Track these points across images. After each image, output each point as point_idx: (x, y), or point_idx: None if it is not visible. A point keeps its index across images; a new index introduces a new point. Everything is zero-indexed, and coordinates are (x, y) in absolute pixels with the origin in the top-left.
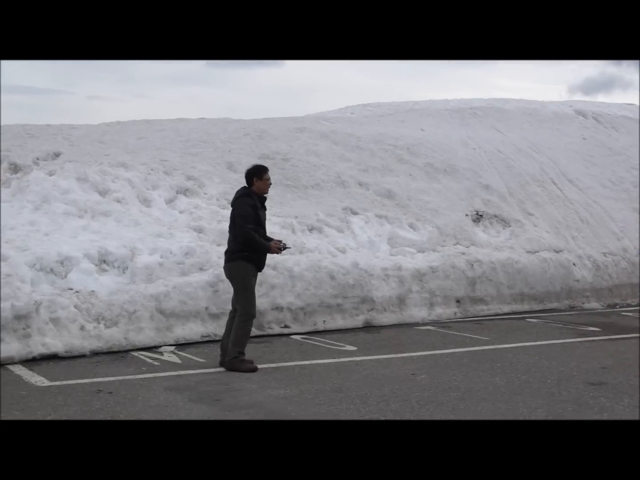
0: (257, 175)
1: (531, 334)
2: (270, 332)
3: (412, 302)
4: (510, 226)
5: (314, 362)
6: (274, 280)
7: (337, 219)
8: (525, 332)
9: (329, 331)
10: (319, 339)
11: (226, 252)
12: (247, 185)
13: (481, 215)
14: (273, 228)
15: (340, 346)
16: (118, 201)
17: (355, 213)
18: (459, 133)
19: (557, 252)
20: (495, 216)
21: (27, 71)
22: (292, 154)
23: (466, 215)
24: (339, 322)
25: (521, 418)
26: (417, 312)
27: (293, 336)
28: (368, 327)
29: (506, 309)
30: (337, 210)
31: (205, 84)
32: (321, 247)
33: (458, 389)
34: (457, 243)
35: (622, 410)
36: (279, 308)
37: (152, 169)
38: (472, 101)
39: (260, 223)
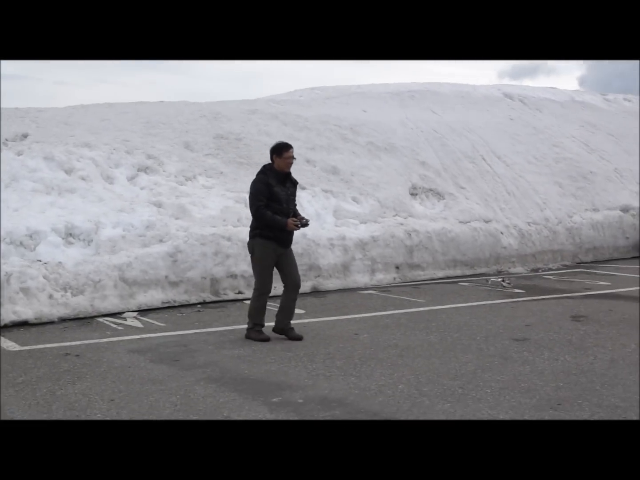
0: (276, 152)
1: (463, 296)
2: (225, 297)
3: (355, 268)
4: (444, 199)
5: (265, 324)
6: (229, 250)
7: None
8: (457, 295)
9: (279, 296)
10: (270, 303)
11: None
12: (270, 162)
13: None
14: (227, 202)
15: None
16: (83, 179)
17: (303, 188)
18: (398, 114)
19: (487, 222)
20: (431, 190)
21: None
22: (244, 134)
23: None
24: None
25: (453, 372)
26: (360, 278)
27: (246, 301)
28: (315, 292)
29: (440, 274)
30: None
31: (163, 71)
32: None
33: (397, 346)
34: (396, 215)
35: (542, 362)
36: (233, 275)
37: (114, 149)
38: (410, 85)
39: (278, 199)
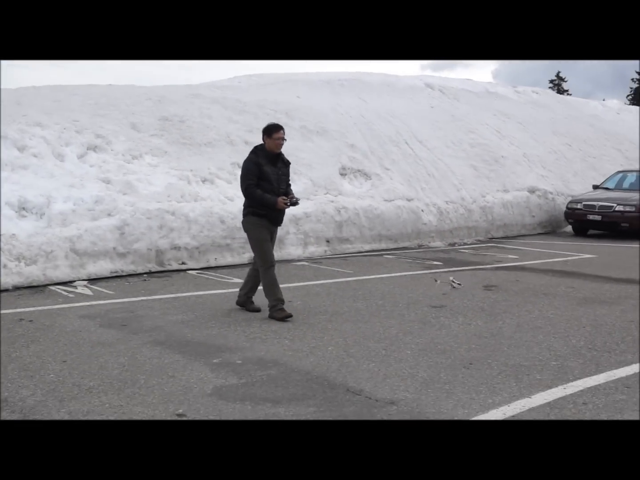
0: (267, 133)
1: (387, 267)
2: (169, 268)
3: (289, 242)
4: (371, 179)
5: (207, 292)
6: (173, 224)
7: (227, 172)
8: (382, 266)
9: (220, 267)
10: (211, 273)
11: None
12: (262, 143)
13: None
14: (171, 180)
15: (229, 279)
16: (35, 156)
17: (240, 167)
18: (329, 101)
19: (409, 200)
20: (359, 170)
21: None
22: (187, 117)
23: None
24: (228, 259)
25: (377, 335)
26: (294, 251)
27: (189, 271)
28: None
29: (367, 247)
30: (227, 164)
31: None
32: (213, 196)
33: (326, 312)
34: (327, 193)
35: (457, 327)
36: (177, 247)
37: (65, 128)
38: (340, 74)
39: (268, 179)
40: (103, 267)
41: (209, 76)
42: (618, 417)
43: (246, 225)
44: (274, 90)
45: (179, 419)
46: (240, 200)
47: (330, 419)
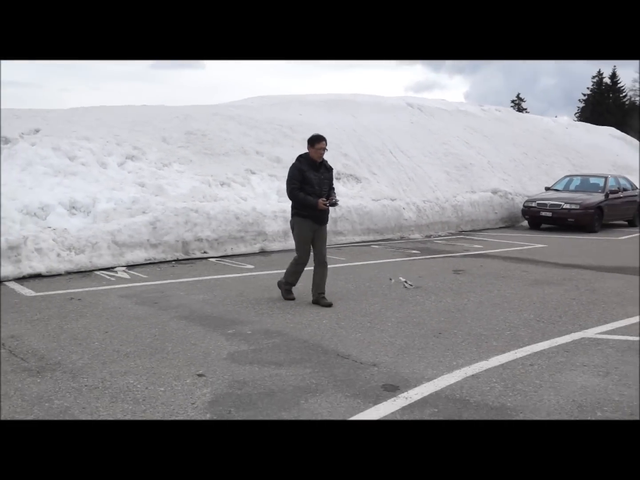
0: (310, 143)
1: (374, 255)
2: (193, 256)
3: None
4: (361, 182)
5: (224, 276)
6: (196, 220)
7: (241, 177)
8: (370, 254)
9: (235, 255)
10: (228, 261)
11: None
12: (307, 152)
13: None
14: (195, 183)
15: (243, 265)
16: (83, 164)
17: (254, 173)
18: (326, 117)
19: (392, 200)
20: (351, 175)
21: (12, 69)
22: (208, 131)
23: None
24: (242, 249)
25: (364, 310)
26: None
27: (210, 259)
28: (263, 252)
29: (357, 239)
30: (241, 171)
31: (147, 81)
32: (229, 197)
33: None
34: None
35: (430, 303)
36: (199, 239)
37: (107, 141)
38: (336, 95)
39: (310, 183)
40: (139, 255)
41: (226, 98)
42: (557, 375)
43: (292, 224)
44: (280, 109)
45: (199, 379)
46: (252, 200)
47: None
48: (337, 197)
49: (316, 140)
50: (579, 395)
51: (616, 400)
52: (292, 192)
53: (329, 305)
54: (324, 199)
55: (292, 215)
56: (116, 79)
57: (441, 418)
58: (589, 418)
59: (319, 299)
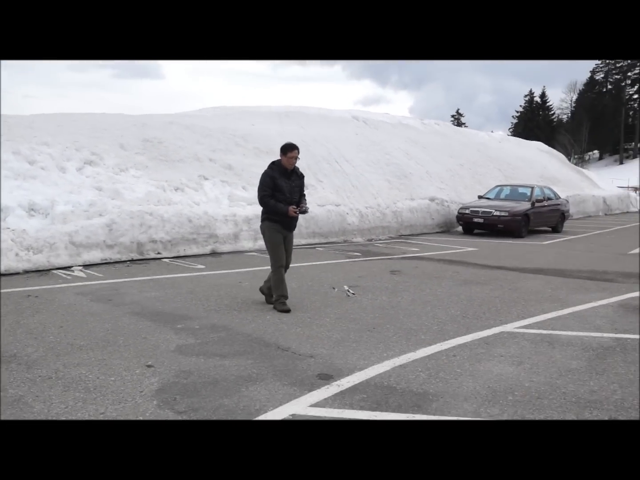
0: (282, 151)
1: (318, 257)
2: (148, 257)
3: (242, 237)
4: (307, 189)
5: (176, 275)
6: (151, 223)
7: (194, 183)
8: (314, 256)
9: (188, 256)
10: (180, 261)
11: None
12: (279, 159)
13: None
14: (150, 188)
15: (194, 265)
16: (42, 168)
17: (206, 179)
18: (277, 128)
19: (337, 205)
20: None
21: None
22: (164, 139)
23: None
24: (194, 250)
25: (305, 307)
26: (246, 244)
27: (163, 259)
28: (214, 254)
29: (303, 242)
30: (194, 177)
31: (108, 90)
32: (183, 201)
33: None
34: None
35: (367, 301)
36: (154, 241)
37: (66, 147)
38: (286, 107)
39: (281, 190)
40: (95, 255)
41: (182, 107)
42: (476, 365)
43: (262, 229)
44: (233, 120)
45: (147, 369)
46: (204, 204)
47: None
48: (308, 205)
49: (288, 149)
50: (494, 382)
51: (526, 386)
52: (263, 199)
53: (287, 311)
54: (295, 207)
55: (262, 220)
56: (79, 86)
57: (369, 404)
58: (500, 402)
59: (267, 295)
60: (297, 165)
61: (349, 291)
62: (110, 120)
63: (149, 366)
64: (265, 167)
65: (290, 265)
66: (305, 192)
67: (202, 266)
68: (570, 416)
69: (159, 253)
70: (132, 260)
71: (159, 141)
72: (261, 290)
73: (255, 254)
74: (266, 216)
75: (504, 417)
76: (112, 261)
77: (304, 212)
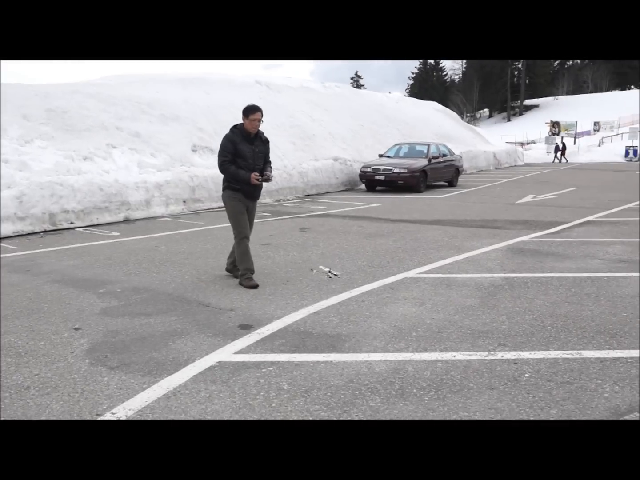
0: (244, 113)
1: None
2: (61, 227)
3: (155, 203)
4: (215, 153)
5: (91, 243)
6: (61, 193)
7: (103, 152)
8: (225, 219)
9: (101, 224)
10: (94, 230)
11: None
12: (241, 122)
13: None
14: (59, 158)
15: (109, 233)
16: None
17: (114, 147)
18: (182, 94)
19: None
20: (206, 147)
21: None
22: (69, 108)
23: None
24: (107, 218)
25: (221, 266)
26: (159, 209)
27: (77, 229)
28: (127, 221)
29: (215, 205)
30: (103, 145)
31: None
32: (93, 170)
33: (184, 253)
34: (182, 165)
35: (279, 257)
36: (66, 211)
37: None
38: (189, 73)
39: (243, 156)
40: (6, 228)
41: (84, 76)
42: (383, 308)
43: (223, 198)
44: (137, 87)
45: (75, 332)
46: (114, 172)
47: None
48: (272, 172)
49: (251, 111)
50: (399, 322)
51: (428, 323)
52: (222, 165)
53: (255, 286)
54: (257, 174)
55: (223, 189)
56: None
57: (289, 347)
58: (405, 338)
59: (234, 271)
60: (248, 128)
61: (330, 272)
62: (11, 91)
63: (76, 329)
64: (176, 135)
65: (204, 228)
66: (270, 160)
67: (117, 233)
68: (466, 346)
69: (72, 223)
70: (45, 231)
71: (64, 111)
72: (227, 270)
73: (168, 218)
74: (227, 184)
75: (409, 350)
76: (24, 233)
77: (268, 180)
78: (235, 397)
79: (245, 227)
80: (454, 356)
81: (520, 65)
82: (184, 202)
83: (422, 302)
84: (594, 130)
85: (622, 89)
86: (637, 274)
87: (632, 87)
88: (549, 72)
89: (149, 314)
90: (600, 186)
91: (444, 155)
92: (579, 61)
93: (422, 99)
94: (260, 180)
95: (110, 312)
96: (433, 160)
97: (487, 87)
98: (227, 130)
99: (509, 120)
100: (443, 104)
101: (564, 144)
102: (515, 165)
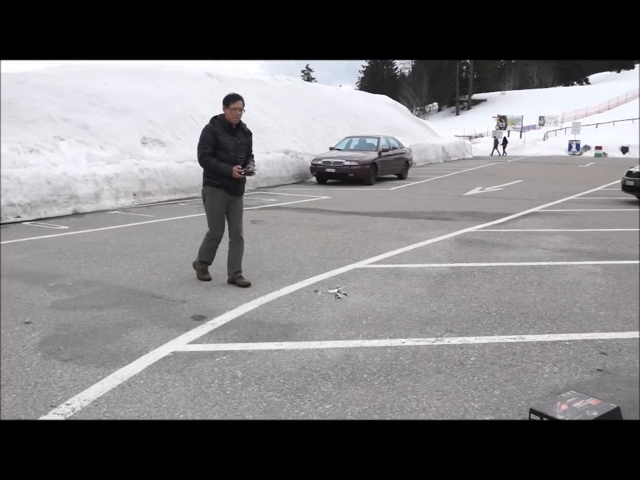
0: (225, 103)
1: (180, 212)
2: (7, 221)
3: (104, 196)
4: (166, 146)
5: (40, 237)
6: (7, 186)
7: (50, 144)
8: (176, 211)
9: (49, 218)
10: (42, 224)
11: None
12: (222, 113)
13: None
14: (4, 151)
15: (57, 227)
16: None
17: (62, 139)
18: (131, 86)
19: (195, 161)
20: (156, 140)
21: None
22: (14, 99)
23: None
24: (55, 211)
25: (173, 258)
26: (108, 203)
27: (24, 223)
28: (76, 214)
29: (165, 198)
30: (50, 137)
31: None
32: (40, 163)
33: (135, 245)
34: (132, 158)
35: (266, 242)
36: (12, 204)
37: None
38: (139, 65)
39: (224, 148)
40: None
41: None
42: (334, 298)
43: (203, 194)
44: (85, 78)
45: (26, 325)
46: (62, 165)
47: (160, 327)
48: (255, 166)
49: (231, 99)
50: (350, 310)
51: (378, 311)
52: (202, 158)
53: (247, 285)
54: (240, 167)
55: (204, 184)
56: None
57: (242, 337)
58: (356, 326)
59: (236, 279)
60: (229, 118)
61: (338, 292)
62: None
63: (27, 323)
64: (126, 127)
65: (155, 221)
66: (252, 152)
67: (66, 227)
68: (415, 332)
69: (18, 217)
70: None
71: (8, 102)
72: (229, 281)
73: (119, 212)
74: (207, 179)
75: (360, 338)
76: None
77: (251, 173)
78: (190, 385)
79: (220, 229)
80: (403, 342)
81: (468, 61)
82: (134, 195)
83: (372, 292)
84: (539, 125)
85: (565, 85)
86: (577, 263)
87: (575, 83)
88: (497, 67)
89: (101, 306)
90: (544, 179)
91: (394, 148)
92: None
93: (372, 93)
94: (242, 173)
95: (62, 305)
96: (383, 153)
97: (437, 81)
98: (178, 122)
99: (457, 114)
100: (393, 98)
101: (504, 138)
102: (463, 159)
